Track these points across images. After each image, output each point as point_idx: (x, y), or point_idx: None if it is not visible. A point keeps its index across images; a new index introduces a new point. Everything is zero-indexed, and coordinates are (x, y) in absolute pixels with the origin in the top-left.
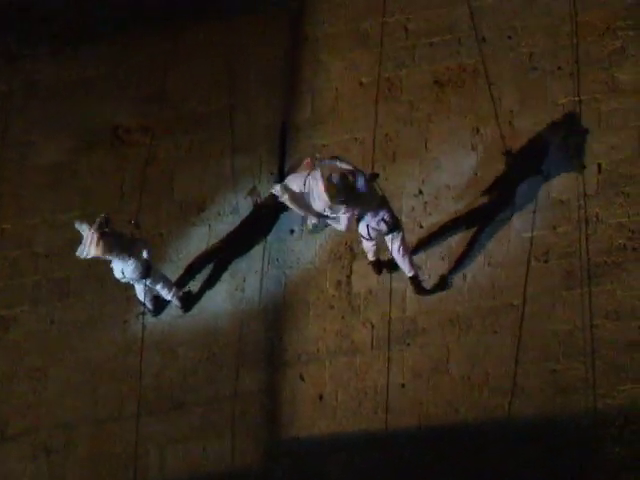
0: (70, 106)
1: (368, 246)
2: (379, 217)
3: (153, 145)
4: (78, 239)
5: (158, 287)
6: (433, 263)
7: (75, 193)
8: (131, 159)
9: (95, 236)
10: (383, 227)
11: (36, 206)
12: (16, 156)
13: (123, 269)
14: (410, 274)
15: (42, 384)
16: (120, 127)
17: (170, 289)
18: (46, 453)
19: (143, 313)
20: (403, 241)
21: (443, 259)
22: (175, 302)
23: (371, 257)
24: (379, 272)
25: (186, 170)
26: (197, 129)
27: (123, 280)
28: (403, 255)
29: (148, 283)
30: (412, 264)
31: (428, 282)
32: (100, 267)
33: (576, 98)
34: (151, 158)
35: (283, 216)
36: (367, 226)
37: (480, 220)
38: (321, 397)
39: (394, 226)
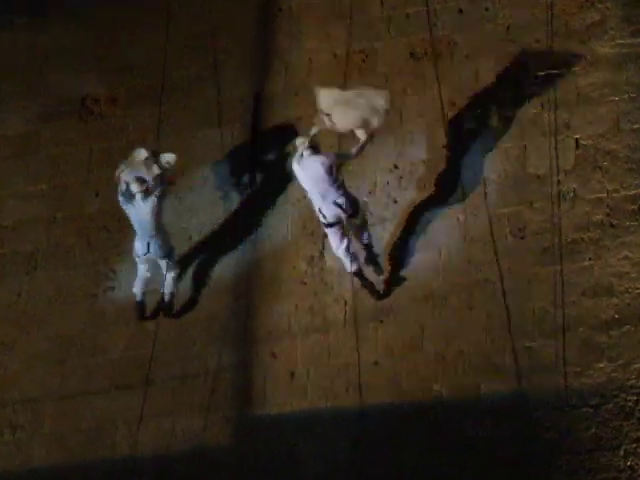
0: (37, 76)
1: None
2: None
3: (122, 116)
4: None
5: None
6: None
7: (42, 165)
8: (99, 130)
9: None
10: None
11: (2, 178)
12: None
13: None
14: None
15: (8, 357)
16: (88, 97)
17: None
18: (12, 429)
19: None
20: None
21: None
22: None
23: (350, 267)
24: (374, 293)
25: (155, 142)
26: (167, 100)
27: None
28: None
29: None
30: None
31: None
32: (69, 240)
33: (554, 71)
34: (120, 129)
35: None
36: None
37: (455, 195)
38: (292, 374)
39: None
